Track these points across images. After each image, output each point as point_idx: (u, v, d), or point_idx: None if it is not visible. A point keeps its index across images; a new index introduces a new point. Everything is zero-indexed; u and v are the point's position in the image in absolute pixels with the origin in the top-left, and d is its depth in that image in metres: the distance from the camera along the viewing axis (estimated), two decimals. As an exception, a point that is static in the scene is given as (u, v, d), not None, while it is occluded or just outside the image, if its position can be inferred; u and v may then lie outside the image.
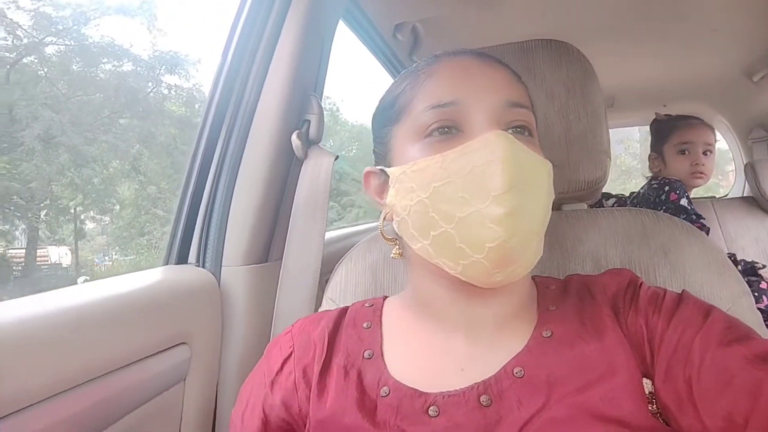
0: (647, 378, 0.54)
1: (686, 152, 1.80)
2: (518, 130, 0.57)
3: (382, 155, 0.64)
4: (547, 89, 0.86)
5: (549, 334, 0.58)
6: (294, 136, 1.04)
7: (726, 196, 3.05)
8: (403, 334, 0.63)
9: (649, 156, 1.96)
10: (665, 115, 1.95)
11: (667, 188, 1.75)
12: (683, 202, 1.69)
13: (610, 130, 0.87)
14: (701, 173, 1.78)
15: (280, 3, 1.07)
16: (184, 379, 0.87)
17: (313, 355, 0.63)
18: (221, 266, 0.99)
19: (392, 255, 0.66)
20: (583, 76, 0.86)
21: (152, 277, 0.90)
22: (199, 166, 1.02)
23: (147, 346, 0.79)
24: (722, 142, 3.01)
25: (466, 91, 0.56)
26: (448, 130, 0.56)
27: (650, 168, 1.95)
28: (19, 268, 4.90)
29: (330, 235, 1.62)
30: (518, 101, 0.58)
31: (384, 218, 0.64)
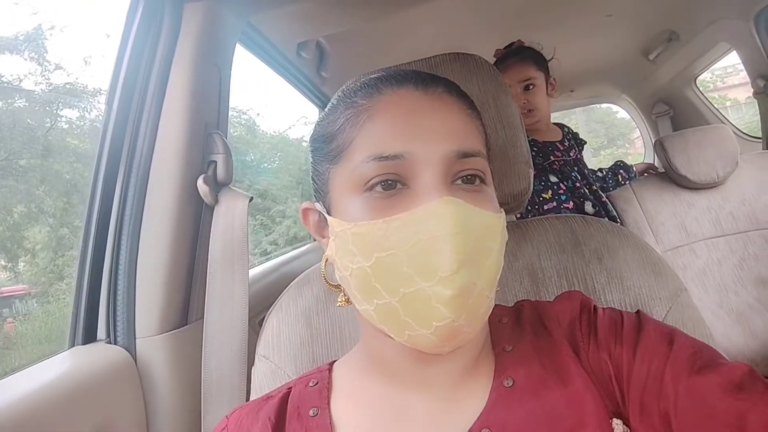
0: (617, 418, 0.51)
1: None
2: (468, 179, 0.52)
3: (321, 192, 0.58)
4: None
5: (510, 384, 0.54)
6: (200, 181, 0.95)
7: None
8: (357, 409, 0.57)
9: None
10: (496, 51, 1.80)
11: None
12: None
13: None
14: (528, 110, 1.69)
15: (168, 34, 0.98)
16: (108, 479, 0.76)
17: None
18: (135, 338, 0.89)
19: (338, 303, 0.59)
20: (495, 88, 0.83)
21: (57, 365, 0.79)
22: (95, 227, 0.91)
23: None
24: (624, 112, 3.18)
25: (413, 141, 0.50)
26: (392, 184, 0.50)
27: None
28: None
29: (257, 270, 1.54)
30: (470, 150, 0.52)
31: (326, 260, 0.58)
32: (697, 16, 2.03)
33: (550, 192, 1.68)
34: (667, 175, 1.99)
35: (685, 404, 0.46)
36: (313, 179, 0.61)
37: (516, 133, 0.82)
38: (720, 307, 1.76)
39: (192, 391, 0.91)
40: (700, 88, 2.60)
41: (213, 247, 0.95)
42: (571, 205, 1.68)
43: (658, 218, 1.89)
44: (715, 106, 2.57)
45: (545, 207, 1.67)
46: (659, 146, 1.98)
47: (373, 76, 0.58)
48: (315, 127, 0.61)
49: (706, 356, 0.50)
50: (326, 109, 0.60)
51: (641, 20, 2.06)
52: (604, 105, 3.72)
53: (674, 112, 2.70)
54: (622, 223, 1.92)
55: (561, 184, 1.71)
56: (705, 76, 2.62)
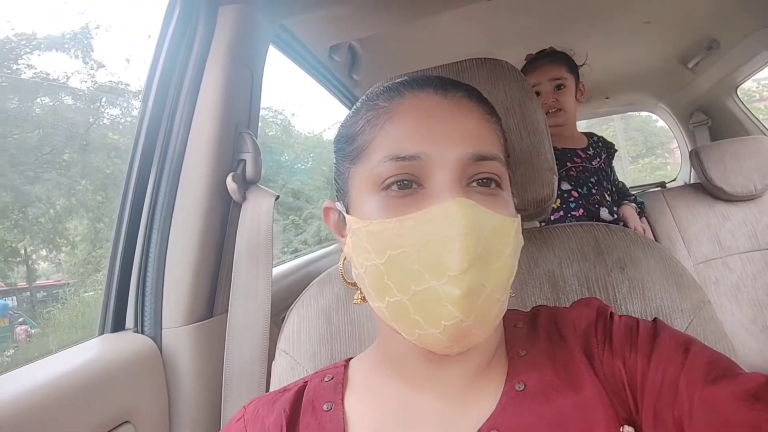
0: (630, 426, 0.50)
1: (539, 94, 1.71)
2: (483, 182, 0.53)
3: (342, 191, 0.60)
4: None
5: (522, 388, 0.54)
6: (229, 179, 0.98)
7: (674, 180, 3.13)
8: (370, 406, 0.58)
9: None
10: (527, 55, 1.83)
11: None
12: None
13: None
14: (557, 109, 1.70)
15: (202, 36, 1.01)
16: (130, 462, 0.79)
17: None
18: (161, 329, 0.92)
19: (354, 301, 0.61)
20: (521, 94, 0.83)
21: (86, 351, 0.83)
22: (128, 220, 0.94)
23: (85, 434, 0.71)
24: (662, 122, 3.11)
25: (429, 143, 0.52)
26: (407, 184, 0.52)
27: None
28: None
29: (282, 268, 1.57)
30: (486, 153, 0.53)
31: (345, 259, 0.60)
32: (739, 23, 1.97)
33: (559, 201, 1.67)
34: (701, 186, 1.95)
35: (700, 413, 0.46)
36: (335, 179, 0.62)
37: (541, 140, 0.82)
38: (753, 323, 1.71)
39: (213, 381, 0.94)
40: (743, 98, 2.52)
41: (239, 243, 0.98)
42: (580, 212, 1.65)
43: (691, 230, 1.85)
44: (759, 116, 2.49)
45: (552, 217, 1.65)
46: (695, 157, 1.93)
47: (396, 80, 0.59)
48: (339, 128, 0.63)
49: (722, 366, 0.49)
50: (350, 112, 0.62)
51: (680, 27, 2.02)
52: (644, 113, 3.65)
53: (713, 122, 2.63)
54: (653, 233, 1.88)
55: (573, 192, 1.69)
56: (749, 86, 2.54)
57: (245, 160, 1.02)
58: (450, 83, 0.57)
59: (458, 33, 1.73)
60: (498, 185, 0.54)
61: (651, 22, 1.91)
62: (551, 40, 1.81)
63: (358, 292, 0.60)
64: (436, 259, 0.47)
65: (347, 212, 0.58)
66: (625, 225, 1.74)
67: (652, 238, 1.81)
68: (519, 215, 0.57)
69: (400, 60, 1.80)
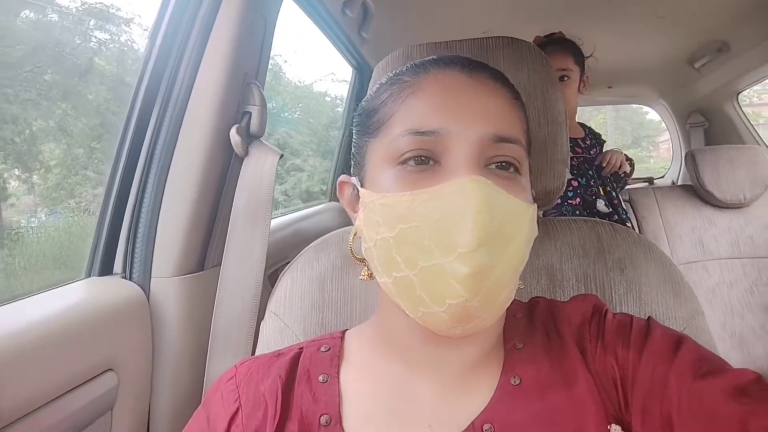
0: (617, 424, 0.51)
1: None
2: (502, 166, 0.52)
3: (358, 166, 0.59)
4: None
5: (518, 382, 0.54)
6: (233, 131, 0.95)
7: (663, 177, 3.16)
8: (365, 384, 0.58)
9: None
10: (536, 38, 1.77)
11: None
12: None
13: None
14: None
15: (218, -22, 0.96)
16: (111, 409, 0.78)
17: (264, 415, 0.56)
18: (150, 277, 0.90)
19: (361, 277, 0.61)
20: (545, 81, 0.81)
21: (72, 293, 0.80)
22: (124, 163, 0.91)
23: (67, 380, 0.70)
24: (654, 113, 3.12)
25: (451, 119, 0.51)
26: (424, 160, 0.51)
27: None
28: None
29: (275, 222, 1.54)
30: (507, 135, 0.52)
31: (355, 234, 0.59)
32: (753, 29, 1.96)
33: None
34: (692, 188, 1.97)
35: (688, 407, 0.46)
36: (352, 155, 0.62)
37: (559, 130, 0.80)
38: (723, 328, 1.76)
39: (200, 336, 0.92)
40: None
41: (238, 198, 0.95)
42: (577, 201, 1.66)
43: (676, 230, 1.88)
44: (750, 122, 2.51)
45: None
46: (690, 159, 1.95)
47: (425, 59, 0.58)
48: (360, 104, 0.62)
49: (712, 362, 0.50)
50: (373, 88, 0.61)
51: (693, 26, 1.99)
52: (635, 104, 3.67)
53: (709, 124, 2.64)
54: (639, 230, 1.91)
55: (573, 181, 1.70)
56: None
57: (251, 113, 0.99)
58: (477, 63, 0.57)
59: (472, 5, 1.68)
60: (516, 170, 0.53)
61: (665, 17, 1.89)
62: (565, 21, 1.77)
63: (366, 268, 0.59)
64: (446, 235, 0.47)
65: (362, 186, 0.57)
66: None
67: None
68: (535, 204, 0.56)
69: (411, 22, 1.75)
